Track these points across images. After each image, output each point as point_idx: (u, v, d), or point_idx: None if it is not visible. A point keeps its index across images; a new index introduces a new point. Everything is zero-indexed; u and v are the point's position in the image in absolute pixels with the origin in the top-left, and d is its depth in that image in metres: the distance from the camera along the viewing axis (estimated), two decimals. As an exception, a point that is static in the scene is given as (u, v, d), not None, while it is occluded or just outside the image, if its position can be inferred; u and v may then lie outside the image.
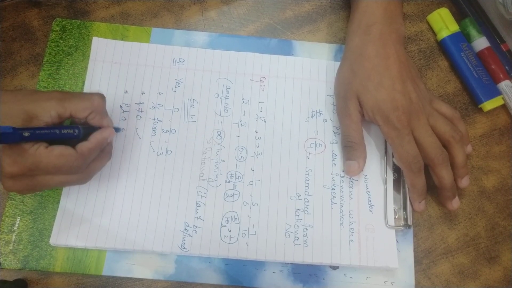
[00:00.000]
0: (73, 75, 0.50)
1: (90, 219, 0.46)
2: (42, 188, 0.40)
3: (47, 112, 0.39)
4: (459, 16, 0.55)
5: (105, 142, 0.42)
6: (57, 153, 0.38)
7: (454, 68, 0.54)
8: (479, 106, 0.52)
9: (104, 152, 0.44)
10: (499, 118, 0.53)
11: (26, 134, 0.37)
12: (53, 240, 0.45)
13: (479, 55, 0.53)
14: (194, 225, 0.46)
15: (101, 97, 0.42)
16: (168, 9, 0.54)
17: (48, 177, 0.39)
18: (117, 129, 0.46)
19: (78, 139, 0.41)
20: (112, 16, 0.53)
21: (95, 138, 0.41)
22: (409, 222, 0.47)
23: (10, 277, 0.45)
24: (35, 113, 0.38)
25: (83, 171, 0.41)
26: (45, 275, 0.46)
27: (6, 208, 0.46)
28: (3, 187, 0.39)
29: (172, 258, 0.46)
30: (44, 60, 0.51)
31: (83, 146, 0.40)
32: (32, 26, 0.53)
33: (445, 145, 0.46)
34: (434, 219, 0.49)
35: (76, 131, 0.41)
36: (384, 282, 0.46)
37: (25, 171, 0.37)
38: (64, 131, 0.40)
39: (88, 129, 0.42)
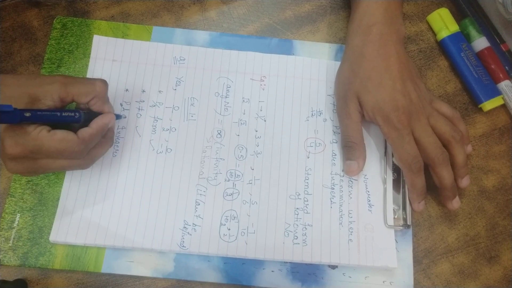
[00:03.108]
0: (74, 73, 0.50)
1: (90, 216, 0.46)
2: (44, 171, 0.40)
3: (49, 96, 0.39)
4: (459, 16, 0.55)
5: (106, 128, 0.43)
6: (59, 137, 0.38)
7: (454, 68, 0.54)
8: (479, 106, 0.52)
9: (105, 138, 0.44)
10: (499, 118, 0.53)
11: (27, 114, 0.37)
12: (52, 237, 0.45)
13: (479, 55, 0.53)
14: (193, 223, 0.46)
15: (104, 82, 0.43)
16: (168, 9, 0.54)
17: (50, 161, 0.39)
18: (118, 116, 0.47)
19: (79, 124, 0.41)
20: (112, 16, 0.54)
21: (96, 123, 0.42)
22: (408, 222, 0.47)
23: (10, 276, 0.45)
24: (38, 96, 0.39)
25: (84, 157, 0.41)
26: (45, 275, 0.46)
27: (6, 205, 0.46)
28: (6, 168, 0.39)
29: (171, 257, 0.46)
30: (45, 57, 0.51)
31: (84, 131, 0.40)
32: (32, 26, 0.53)
33: (445, 145, 0.46)
34: (434, 219, 0.49)
35: (77, 114, 0.41)
36: (383, 282, 0.46)
37: (27, 153, 0.38)
38: (65, 114, 0.40)
39: (89, 115, 0.42)
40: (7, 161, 0.39)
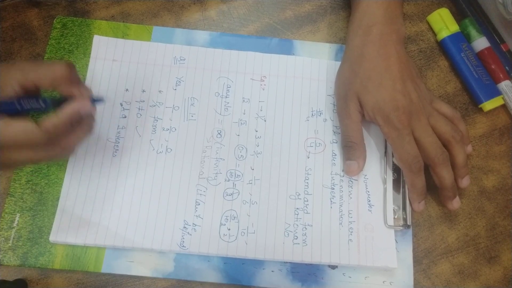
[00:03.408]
0: (74, 73, 0.50)
1: (90, 216, 0.46)
2: (14, 164, 0.38)
3: (9, 85, 0.37)
4: (459, 16, 0.55)
5: (77, 115, 0.38)
6: (15, 128, 0.36)
7: (454, 68, 0.54)
8: (479, 106, 0.52)
9: (82, 125, 0.40)
10: (499, 118, 0.53)
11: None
12: (52, 237, 0.45)
13: (479, 55, 0.53)
14: (193, 223, 0.46)
15: (66, 64, 0.39)
16: (168, 9, 0.54)
17: (13, 153, 0.37)
18: (96, 100, 0.40)
19: (49, 112, 0.38)
20: (112, 16, 0.54)
21: (64, 112, 0.38)
22: (408, 222, 0.47)
23: (10, 275, 0.45)
24: None
25: (53, 148, 0.38)
26: (45, 274, 0.46)
27: (5, 205, 0.46)
28: None
29: (171, 257, 0.46)
30: (45, 57, 0.51)
31: (48, 121, 0.37)
32: (32, 26, 0.53)
33: (446, 145, 0.46)
34: (434, 219, 0.49)
35: (42, 104, 0.38)
36: (383, 282, 0.46)
37: None
38: (25, 102, 0.37)
39: (61, 101, 0.39)
40: None
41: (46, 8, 0.53)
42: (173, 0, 0.55)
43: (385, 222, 0.47)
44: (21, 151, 0.37)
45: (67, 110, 0.38)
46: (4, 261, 0.45)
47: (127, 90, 0.50)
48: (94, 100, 0.40)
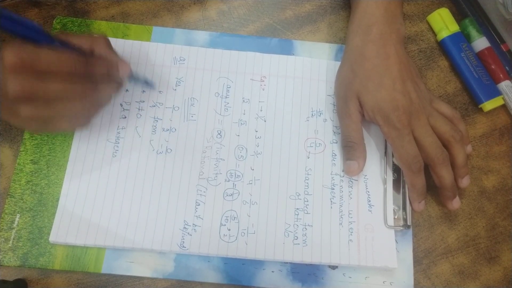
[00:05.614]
0: (74, 74, 0.50)
1: (90, 217, 0.46)
2: (45, 95, 0.38)
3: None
4: (459, 16, 0.55)
5: (114, 68, 0.42)
6: (59, 52, 0.38)
7: (454, 68, 0.54)
8: (479, 106, 0.52)
9: (111, 83, 0.44)
10: (499, 118, 0.53)
11: (56, 43, 0.39)
12: (52, 238, 0.45)
13: (479, 55, 0.53)
14: (193, 224, 0.46)
15: (103, 36, 0.44)
16: (168, 9, 0.54)
17: (52, 82, 0.38)
18: (149, 84, 0.49)
19: None
20: (112, 16, 0.53)
21: (107, 56, 0.42)
22: (409, 222, 0.47)
23: (10, 275, 0.45)
24: None
25: (86, 82, 0.40)
26: (45, 275, 0.46)
27: (5, 205, 0.46)
28: (7, 89, 0.36)
29: (171, 257, 0.46)
30: (45, 58, 0.51)
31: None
32: (32, 25, 0.53)
33: (445, 145, 0.46)
34: (434, 219, 0.49)
35: None
36: (383, 282, 0.46)
37: (26, 62, 0.36)
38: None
39: None
40: (8, 77, 0.37)
41: (46, 8, 0.53)
42: (173, 0, 0.55)
43: (385, 222, 0.47)
44: (58, 78, 0.38)
45: (108, 56, 0.42)
46: (4, 261, 0.45)
47: (127, 90, 0.50)
48: (147, 83, 0.49)
